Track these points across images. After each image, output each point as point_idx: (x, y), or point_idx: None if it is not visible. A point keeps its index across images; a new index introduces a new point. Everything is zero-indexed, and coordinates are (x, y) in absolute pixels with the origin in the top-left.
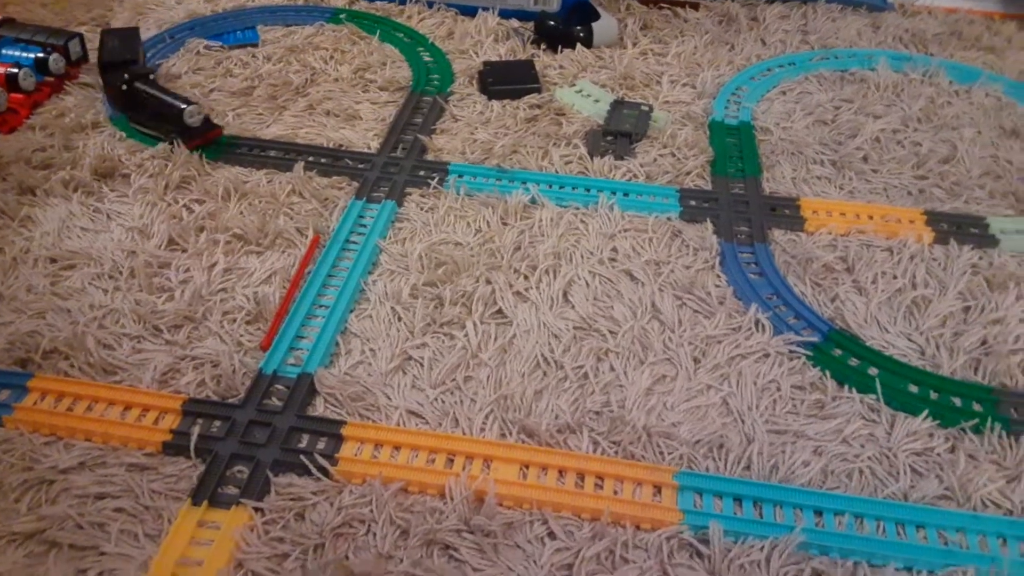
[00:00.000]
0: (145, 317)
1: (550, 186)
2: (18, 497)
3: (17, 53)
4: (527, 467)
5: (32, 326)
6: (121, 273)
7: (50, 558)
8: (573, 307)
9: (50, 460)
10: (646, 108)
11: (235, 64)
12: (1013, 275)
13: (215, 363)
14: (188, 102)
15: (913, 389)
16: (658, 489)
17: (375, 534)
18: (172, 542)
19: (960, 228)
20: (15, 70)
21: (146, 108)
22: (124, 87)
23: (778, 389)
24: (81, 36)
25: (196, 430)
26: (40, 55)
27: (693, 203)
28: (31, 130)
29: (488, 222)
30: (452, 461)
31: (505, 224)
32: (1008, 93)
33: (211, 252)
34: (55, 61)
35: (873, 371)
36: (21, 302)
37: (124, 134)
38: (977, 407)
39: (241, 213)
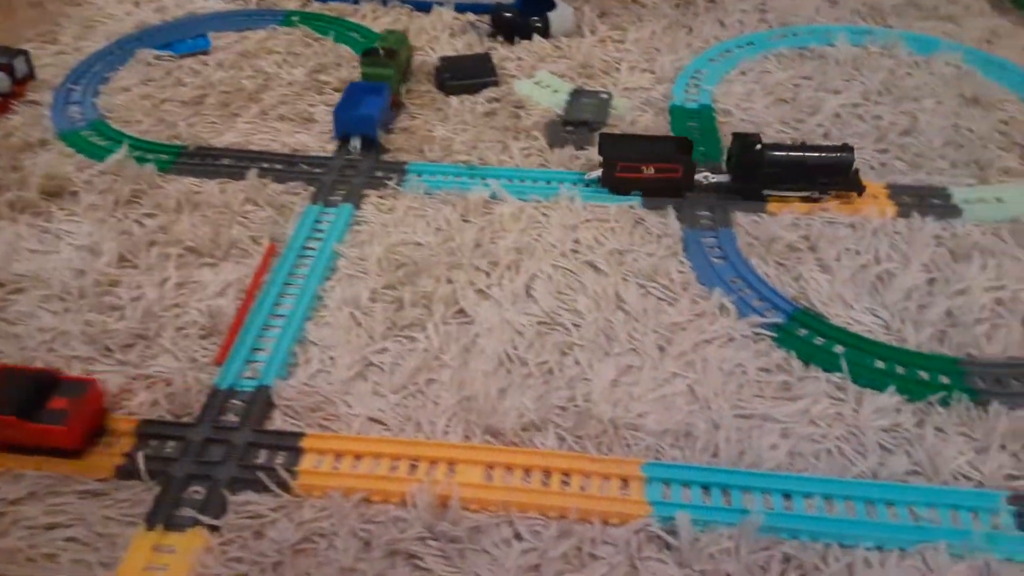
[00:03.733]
0: (95, 337)
1: (511, 180)
2: None
3: None
4: (492, 468)
5: None
6: (71, 294)
7: None
8: (536, 302)
9: None
10: (605, 96)
11: (186, 73)
12: (977, 244)
13: (168, 381)
14: None
15: (879, 365)
16: (625, 482)
17: (336, 548)
18: (126, 569)
19: (923, 200)
20: None
21: None
22: None
23: (744, 373)
24: (27, 53)
25: (146, 452)
26: None
27: None
28: None
29: (448, 220)
30: (415, 467)
31: (466, 221)
32: (967, 61)
33: (163, 267)
34: (0, 80)
35: (839, 349)
36: None
37: (74, 150)
38: (944, 379)
39: (194, 225)
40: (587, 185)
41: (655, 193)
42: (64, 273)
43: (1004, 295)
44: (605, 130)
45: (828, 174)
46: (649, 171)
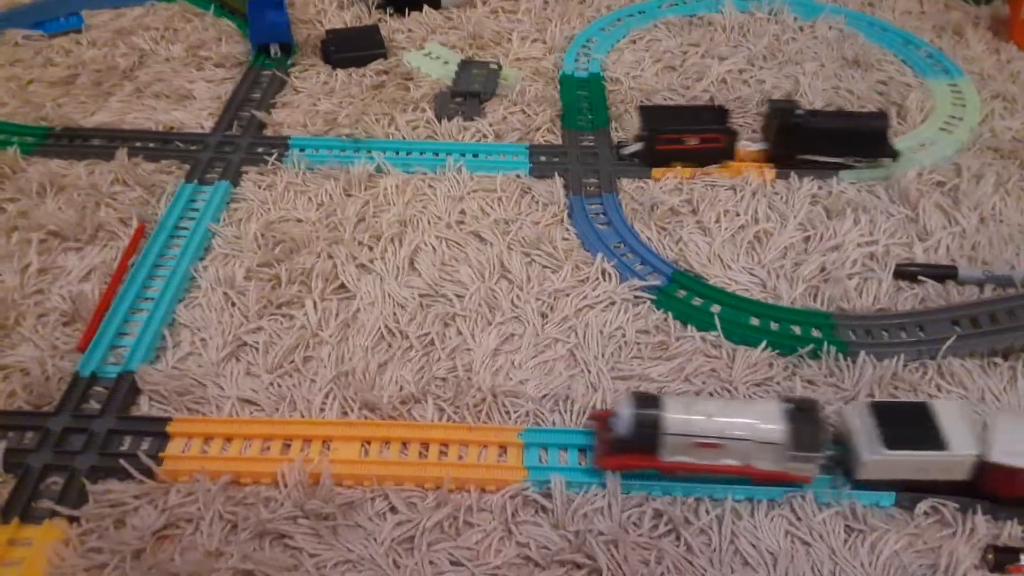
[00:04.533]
0: None
1: (397, 153)
2: None
3: None
4: (368, 443)
5: None
6: None
7: None
8: (419, 274)
9: None
10: (495, 67)
11: (56, 52)
12: (851, 201)
13: (25, 371)
14: None
15: (754, 322)
16: (504, 449)
17: (202, 532)
18: None
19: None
20: None
21: None
22: None
23: (623, 335)
24: None
25: (2, 445)
26: None
27: (543, 159)
28: None
29: (331, 195)
30: (288, 446)
31: (348, 195)
32: (850, 24)
33: (24, 253)
34: None
35: (716, 308)
36: None
37: None
38: (816, 333)
39: (59, 208)
40: (621, 160)
41: (696, 163)
42: None
43: (876, 250)
44: (496, 100)
45: (864, 140)
46: (692, 142)
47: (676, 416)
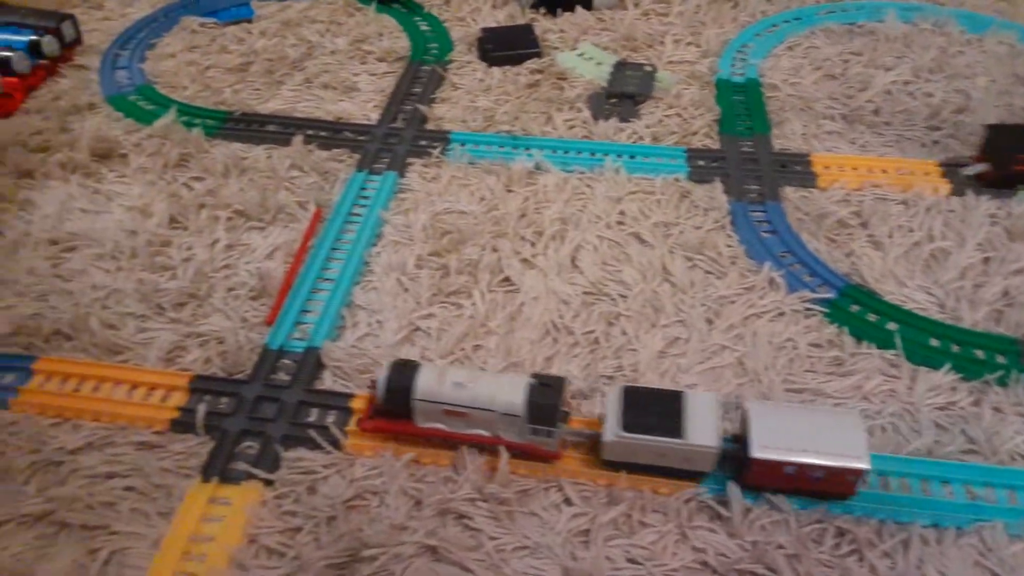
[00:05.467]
0: (148, 296)
1: (554, 151)
2: (26, 479)
3: (10, 36)
4: None
5: (35, 309)
6: (123, 253)
7: (60, 539)
8: (581, 272)
9: (57, 441)
10: (650, 69)
11: (230, 40)
12: None
13: (220, 340)
14: None
15: (934, 343)
16: None
17: (388, 505)
18: (183, 519)
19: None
20: (8, 53)
21: None
22: None
23: (795, 347)
24: (74, 18)
25: (203, 407)
26: (33, 38)
27: (701, 163)
28: (27, 114)
29: (492, 190)
30: None
31: (509, 191)
32: (1022, 40)
33: (212, 229)
34: (49, 43)
35: (892, 326)
36: (23, 285)
37: (122, 114)
38: (1001, 359)
39: (241, 189)
40: (967, 179)
41: None
42: (116, 233)
43: None
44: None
45: None
46: None
47: (426, 383)
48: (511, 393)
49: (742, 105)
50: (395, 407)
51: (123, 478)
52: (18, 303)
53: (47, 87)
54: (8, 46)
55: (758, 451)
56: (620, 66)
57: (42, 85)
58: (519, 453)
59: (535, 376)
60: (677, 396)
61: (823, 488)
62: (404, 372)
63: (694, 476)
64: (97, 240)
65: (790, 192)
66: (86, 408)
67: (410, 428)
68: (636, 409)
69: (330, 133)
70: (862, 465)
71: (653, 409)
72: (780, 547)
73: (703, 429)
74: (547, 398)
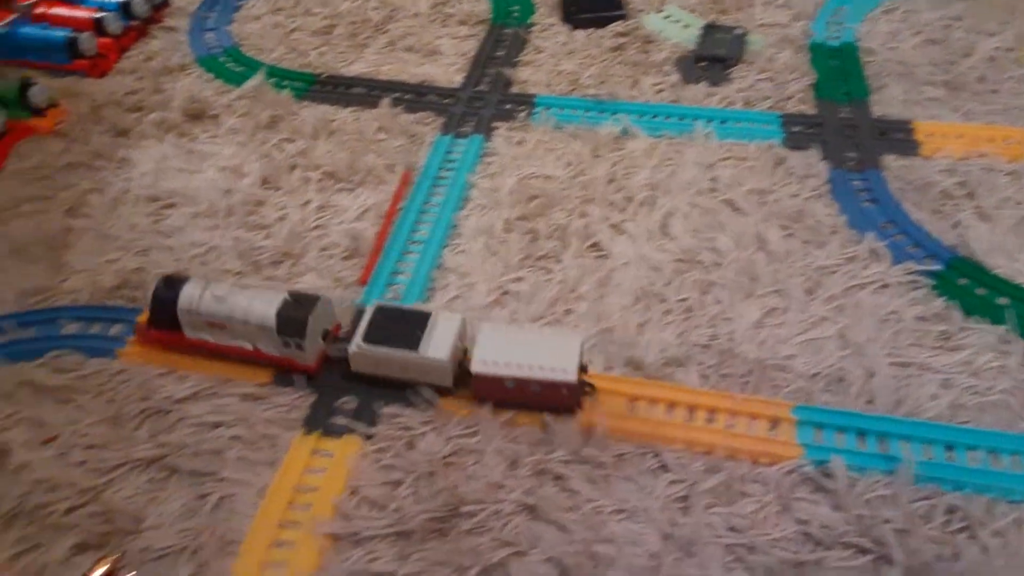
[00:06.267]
0: (245, 254)
1: (641, 116)
2: (138, 426)
3: None
4: (635, 400)
5: (138, 263)
6: (219, 211)
7: (171, 483)
8: (673, 239)
9: (165, 391)
10: (740, 32)
11: (314, 3)
12: None
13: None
14: None
15: None
16: (774, 423)
17: (484, 464)
18: (288, 469)
19: None
20: (102, 14)
21: None
22: None
23: (899, 320)
24: None
25: None
26: None
27: (797, 129)
28: (121, 74)
29: (578, 155)
30: None
31: (596, 156)
32: None
33: (304, 190)
34: (140, 5)
35: (1003, 300)
36: (125, 240)
37: (212, 75)
38: None
39: (330, 151)
40: None
41: None
42: (211, 192)
43: None
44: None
45: None
46: None
47: (188, 296)
48: (264, 307)
49: (839, 70)
50: (163, 319)
51: (229, 427)
52: (121, 256)
53: (139, 48)
54: (101, 7)
55: (478, 366)
56: (709, 29)
57: (134, 46)
58: (275, 366)
59: (290, 293)
60: (425, 316)
61: (543, 401)
62: (169, 286)
63: (442, 391)
64: (193, 198)
65: (891, 160)
66: (191, 359)
67: (180, 340)
68: (383, 324)
69: (415, 96)
70: (570, 379)
71: (399, 326)
72: (888, 521)
73: (439, 345)
74: (297, 312)
